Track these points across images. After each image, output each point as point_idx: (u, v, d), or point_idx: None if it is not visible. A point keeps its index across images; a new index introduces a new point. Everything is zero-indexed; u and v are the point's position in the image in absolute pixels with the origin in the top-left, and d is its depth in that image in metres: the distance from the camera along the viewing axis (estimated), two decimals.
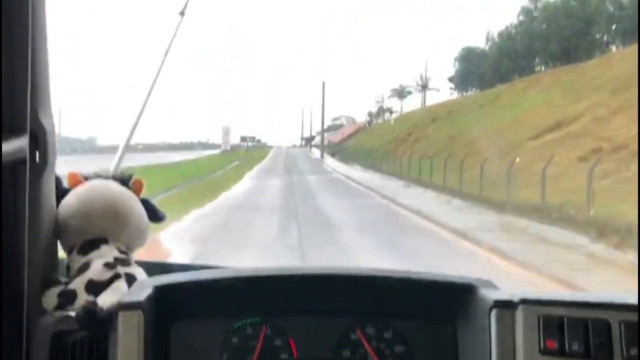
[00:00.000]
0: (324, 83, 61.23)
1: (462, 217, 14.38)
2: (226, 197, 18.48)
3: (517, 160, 17.70)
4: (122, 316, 1.04)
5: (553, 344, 1.02)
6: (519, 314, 1.04)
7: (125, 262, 1.20)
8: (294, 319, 1.18)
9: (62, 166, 1.21)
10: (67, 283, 1.15)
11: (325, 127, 68.14)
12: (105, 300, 1.08)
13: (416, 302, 1.18)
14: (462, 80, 54.19)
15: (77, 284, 1.13)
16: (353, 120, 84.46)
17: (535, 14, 41.07)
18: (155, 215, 1.30)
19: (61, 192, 1.22)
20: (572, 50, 36.34)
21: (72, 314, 1.07)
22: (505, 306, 1.06)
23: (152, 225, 1.30)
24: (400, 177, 27.91)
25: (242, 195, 19.56)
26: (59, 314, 1.11)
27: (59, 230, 1.19)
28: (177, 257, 8.30)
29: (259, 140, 78.14)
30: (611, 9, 31.78)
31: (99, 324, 1.05)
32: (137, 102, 1.64)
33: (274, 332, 1.17)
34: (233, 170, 35.57)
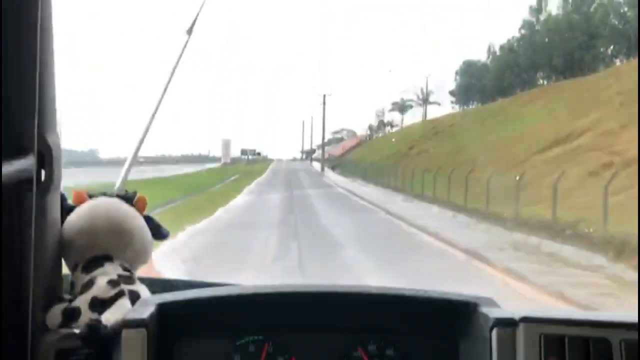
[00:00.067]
0: (324, 96, 60.69)
1: (470, 234, 13.76)
2: (224, 212, 17.86)
3: (525, 174, 17.03)
4: (125, 334, 1.04)
5: None
6: (520, 333, 1.04)
7: (129, 280, 1.19)
8: (296, 336, 1.19)
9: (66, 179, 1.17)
10: (71, 300, 1.14)
11: (325, 140, 67.90)
12: (109, 318, 1.08)
13: (418, 320, 1.18)
14: (463, 94, 53.85)
15: (81, 302, 1.13)
16: (354, 133, 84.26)
17: (538, 27, 40.78)
18: (158, 233, 1.30)
19: (66, 210, 1.21)
20: (576, 63, 35.95)
21: (76, 331, 1.08)
22: (507, 324, 1.06)
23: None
24: (402, 191, 27.40)
25: (240, 210, 18.94)
26: (62, 331, 1.10)
27: (64, 247, 1.18)
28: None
29: (259, 153, 77.88)
30: (615, 22, 31.42)
31: (103, 342, 1.05)
32: (143, 118, 1.64)
33: (277, 349, 1.18)
34: (232, 184, 35.13)
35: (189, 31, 1.76)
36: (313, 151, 79.04)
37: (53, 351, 1.08)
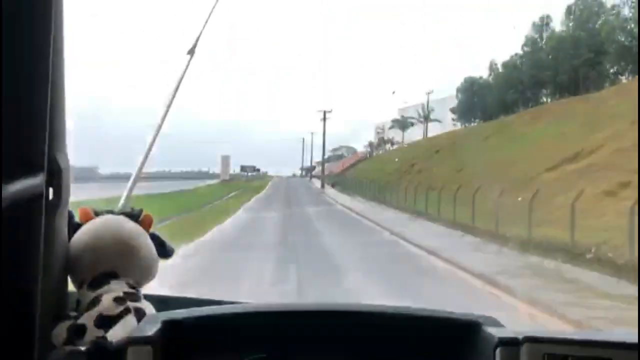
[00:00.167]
0: (325, 112, 60.22)
1: (481, 256, 12.85)
2: (219, 231, 16.98)
3: (538, 193, 16.17)
4: (131, 351, 1.04)
5: None
6: (524, 352, 1.05)
7: (135, 297, 1.19)
8: (300, 354, 1.19)
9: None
10: (76, 317, 1.14)
11: (325, 157, 67.26)
12: (115, 335, 1.08)
13: (420, 339, 1.17)
14: (464, 111, 53.29)
15: (87, 319, 1.12)
16: (354, 150, 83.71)
17: (541, 44, 40.31)
18: (164, 250, 1.30)
19: (72, 227, 1.21)
20: (581, 81, 35.36)
21: (82, 348, 1.07)
22: (510, 344, 1.06)
23: None
24: (405, 209, 26.61)
25: (236, 229, 18.04)
26: (68, 348, 1.10)
27: (70, 264, 1.18)
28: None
29: (258, 170, 77.38)
30: (621, 38, 30.90)
31: (109, 359, 1.04)
32: (146, 135, 1.67)
33: None
34: (230, 201, 34.55)
35: (191, 51, 1.76)
36: (313, 168, 78.47)
37: None
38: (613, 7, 33.48)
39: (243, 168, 75.34)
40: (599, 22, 34.56)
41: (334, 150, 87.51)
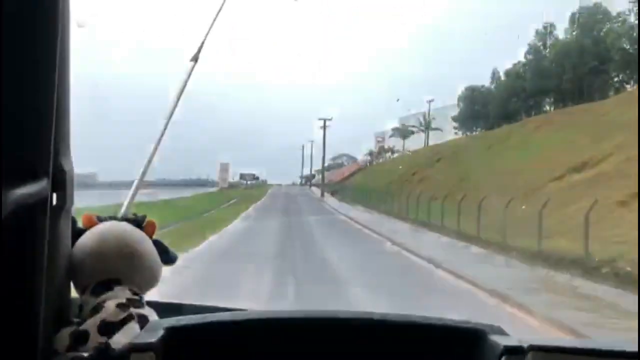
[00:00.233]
0: (325, 121, 59.69)
1: (490, 270, 12.21)
2: (215, 240, 16.32)
3: (548, 202, 15.54)
4: (134, 358, 1.03)
5: None
6: None
7: (138, 304, 1.18)
8: None
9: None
10: (79, 323, 1.13)
11: (325, 165, 66.75)
12: (118, 341, 1.07)
13: (426, 347, 1.16)
14: (466, 119, 52.77)
15: (90, 325, 1.12)
16: (354, 159, 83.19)
17: (544, 52, 39.83)
18: (167, 257, 1.30)
19: (76, 233, 1.21)
20: (585, 89, 34.83)
21: (85, 355, 1.06)
22: (515, 352, 1.06)
23: None
24: (407, 219, 26.00)
25: (233, 239, 17.38)
26: (71, 355, 1.09)
27: (73, 270, 1.18)
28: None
29: (257, 178, 76.89)
30: (626, 46, 30.42)
31: None
32: (148, 143, 1.67)
33: None
34: (228, 209, 34.04)
35: (194, 58, 1.78)
36: (312, 176, 77.91)
37: None
38: (619, 14, 33.04)
39: (242, 176, 74.99)
40: (604, 29, 34.09)
41: (334, 158, 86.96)
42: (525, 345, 1.06)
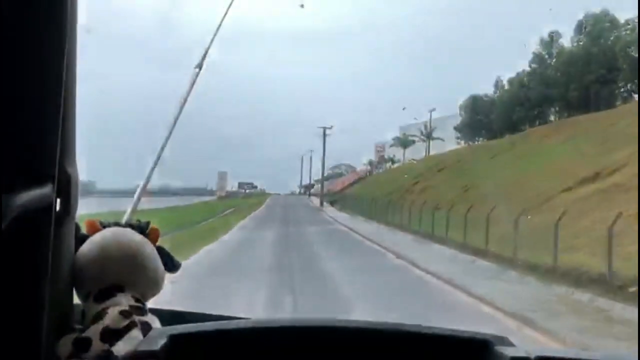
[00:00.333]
0: (324, 129, 59.01)
1: (504, 287, 11.27)
2: (208, 253, 15.36)
3: (565, 214, 14.61)
4: None
5: None
6: None
7: (141, 311, 1.17)
8: None
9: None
10: (81, 330, 1.14)
11: (325, 175, 66.03)
12: (121, 349, 1.08)
13: (431, 358, 1.16)
14: (468, 129, 52.09)
15: (92, 332, 1.12)
16: (353, 169, 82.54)
17: (550, 60, 39.12)
18: (171, 264, 1.28)
19: (79, 239, 1.20)
20: (592, 98, 34.07)
21: None
22: None
23: None
24: (409, 230, 25.12)
25: (227, 250, 16.43)
26: None
27: (76, 276, 1.18)
28: None
29: (255, 187, 76.34)
30: (635, 54, 29.68)
31: None
32: (151, 150, 1.68)
33: None
34: (225, 218, 33.36)
35: (199, 66, 1.77)
36: (312, 186, 77.22)
37: None
38: (627, 22, 32.34)
39: (241, 185, 74.68)
40: (612, 37, 33.40)
41: (333, 168, 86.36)
42: (532, 356, 1.06)
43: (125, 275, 1.19)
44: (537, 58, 40.02)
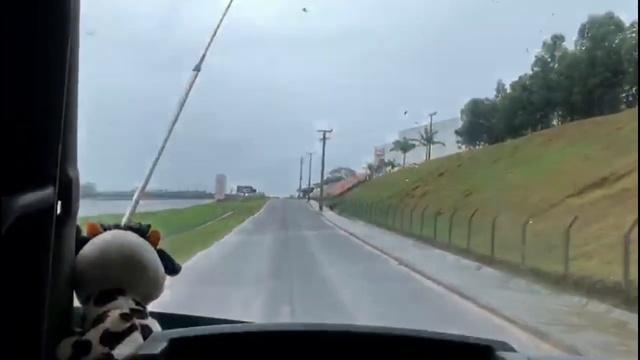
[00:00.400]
0: (324, 133, 58.50)
1: (515, 297, 10.72)
2: (203, 257, 14.77)
3: (576, 220, 14.05)
4: None
5: None
6: None
7: (142, 314, 1.17)
8: None
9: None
10: (81, 333, 1.13)
11: (324, 179, 65.56)
12: (121, 352, 1.08)
13: None
14: (469, 133, 51.59)
15: (92, 335, 1.11)
16: (353, 172, 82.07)
17: (553, 64, 38.66)
18: (171, 267, 1.27)
19: (80, 242, 1.20)
20: (595, 102, 33.59)
21: None
22: None
23: None
24: (410, 235, 24.62)
25: (222, 255, 15.84)
26: None
27: (76, 279, 1.17)
28: None
29: (254, 191, 75.94)
30: None
31: None
32: (150, 152, 1.67)
33: None
34: (223, 222, 32.96)
35: (197, 68, 1.78)
36: (311, 190, 76.74)
37: None
38: (632, 24, 31.86)
39: (240, 188, 74.33)
40: (616, 40, 32.92)
41: (333, 172, 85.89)
42: None
43: (126, 278, 1.18)
44: (540, 61, 39.54)
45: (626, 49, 30.75)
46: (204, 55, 1.80)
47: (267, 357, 1.15)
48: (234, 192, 72.38)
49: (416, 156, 59.67)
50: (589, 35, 34.79)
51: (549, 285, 12.06)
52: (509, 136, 41.69)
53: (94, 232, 1.22)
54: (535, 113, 39.82)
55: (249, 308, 8.53)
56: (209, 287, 9.92)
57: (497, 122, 44.96)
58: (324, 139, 58.10)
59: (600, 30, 33.88)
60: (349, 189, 64.69)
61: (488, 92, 48.62)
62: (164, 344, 1.06)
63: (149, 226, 1.25)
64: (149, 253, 1.21)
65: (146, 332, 1.12)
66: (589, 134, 26.56)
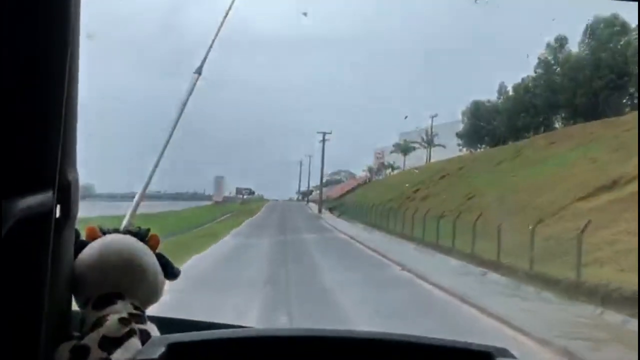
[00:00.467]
0: (324, 134, 57.86)
1: (527, 306, 10.18)
2: (198, 261, 14.18)
3: (590, 224, 13.46)
4: None
5: None
6: None
7: (140, 319, 1.16)
8: None
9: None
10: (80, 338, 1.12)
11: (323, 181, 65.11)
12: (119, 357, 1.06)
13: None
14: (471, 136, 51.09)
15: (91, 340, 1.10)
16: (352, 175, 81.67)
17: (556, 66, 38.14)
18: (170, 272, 1.28)
19: (79, 245, 1.20)
20: (600, 104, 33.04)
21: None
22: None
23: None
24: (412, 239, 24.13)
25: (217, 259, 15.25)
26: None
27: (75, 283, 1.17)
28: None
29: (253, 192, 75.53)
30: None
31: None
32: (150, 154, 1.67)
33: None
34: (220, 224, 32.54)
35: (198, 71, 1.80)
36: (310, 192, 76.29)
37: None
38: (638, 26, 31.38)
39: (238, 190, 73.99)
40: (622, 42, 32.41)
41: (332, 174, 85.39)
42: None
43: (125, 282, 1.17)
44: (543, 63, 39.02)
45: (632, 51, 30.25)
46: (204, 59, 1.80)
47: None
48: (233, 194, 72.02)
49: (416, 159, 59.23)
50: (595, 36, 34.30)
51: (559, 292, 11.48)
52: (511, 139, 41.18)
53: (93, 236, 1.22)
54: (538, 115, 39.29)
55: (245, 314, 7.93)
56: (206, 292, 9.26)
57: (499, 125, 44.46)
58: (324, 140, 57.49)
59: (605, 32, 33.40)
60: (349, 192, 64.21)
61: (489, 94, 48.13)
62: (163, 349, 1.05)
63: (148, 230, 1.25)
64: (148, 257, 1.21)
65: (145, 336, 1.11)
66: (595, 137, 25.99)
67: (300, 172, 78.47)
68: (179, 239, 20.25)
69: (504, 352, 1.10)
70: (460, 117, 52.38)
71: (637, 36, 29.89)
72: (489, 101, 48.41)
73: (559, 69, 38.28)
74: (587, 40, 35.68)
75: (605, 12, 33.25)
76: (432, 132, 58.48)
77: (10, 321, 0.94)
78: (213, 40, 1.79)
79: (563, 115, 38.75)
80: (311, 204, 62.26)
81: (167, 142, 1.69)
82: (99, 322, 1.10)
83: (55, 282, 1.04)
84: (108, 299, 1.14)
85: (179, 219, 32.40)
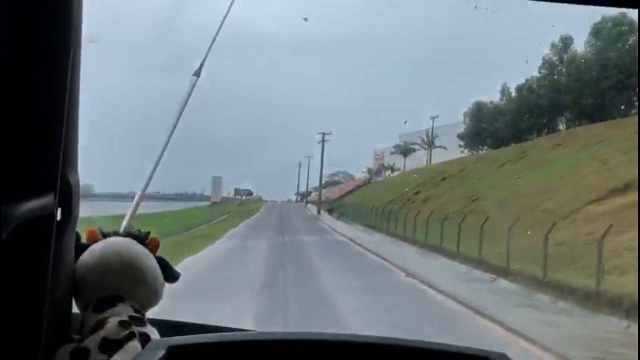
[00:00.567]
0: (323, 135, 57.18)
1: (547, 319, 9.36)
2: (192, 262, 13.39)
3: (611, 229, 12.67)
4: None
5: None
6: None
7: (140, 322, 1.16)
8: None
9: None
10: (80, 340, 1.12)
11: (322, 183, 64.57)
12: None
13: None
14: (472, 137, 50.50)
15: (91, 342, 1.10)
16: (351, 176, 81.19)
17: (561, 66, 37.50)
18: (170, 274, 1.27)
19: (79, 248, 1.20)
20: (607, 105, 32.39)
21: None
22: None
23: None
24: (414, 242, 23.43)
25: (212, 261, 14.46)
26: None
27: (76, 286, 1.17)
28: None
29: (251, 194, 75.11)
30: None
31: None
32: (149, 155, 1.69)
33: None
34: (217, 225, 31.97)
35: (197, 73, 1.82)
36: (309, 194, 75.79)
37: None
38: None
39: (237, 191, 73.63)
40: (630, 41, 31.77)
41: (331, 176, 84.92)
42: None
43: (125, 285, 1.17)
44: (548, 64, 38.37)
45: None
46: (203, 61, 1.79)
47: None
48: (231, 195, 71.66)
49: (417, 161, 58.68)
50: (602, 35, 33.67)
51: (578, 302, 10.70)
52: (514, 141, 40.60)
53: (94, 239, 1.22)
54: (542, 117, 38.67)
55: (240, 322, 7.14)
56: (199, 298, 8.44)
57: (502, 126, 43.84)
58: (323, 141, 56.83)
59: (613, 31, 32.78)
60: (348, 193, 63.77)
61: (492, 95, 47.53)
62: (163, 352, 1.04)
63: (148, 233, 1.24)
64: (148, 260, 1.21)
65: (145, 339, 1.11)
66: (603, 138, 25.29)
67: (299, 173, 77.92)
68: (173, 240, 19.55)
69: (502, 357, 1.08)
70: (461, 118, 51.79)
71: None
72: (491, 102, 47.85)
73: (563, 69, 37.67)
74: (593, 40, 35.03)
75: (613, 12, 32.65)
76: (432, 133, 57.94)
77: (11, 323, 0.94)
78: (212, 42, 1.77)
79: (568, 116, 38.13)
80: (309, 205, 61.69)
81: (166, 145, 1.66)
82: (100, 325, 1.10)
83: (56, 285, 1.04)
84: (108, 302, 1.14)
85: (175, 220, 31.80)
